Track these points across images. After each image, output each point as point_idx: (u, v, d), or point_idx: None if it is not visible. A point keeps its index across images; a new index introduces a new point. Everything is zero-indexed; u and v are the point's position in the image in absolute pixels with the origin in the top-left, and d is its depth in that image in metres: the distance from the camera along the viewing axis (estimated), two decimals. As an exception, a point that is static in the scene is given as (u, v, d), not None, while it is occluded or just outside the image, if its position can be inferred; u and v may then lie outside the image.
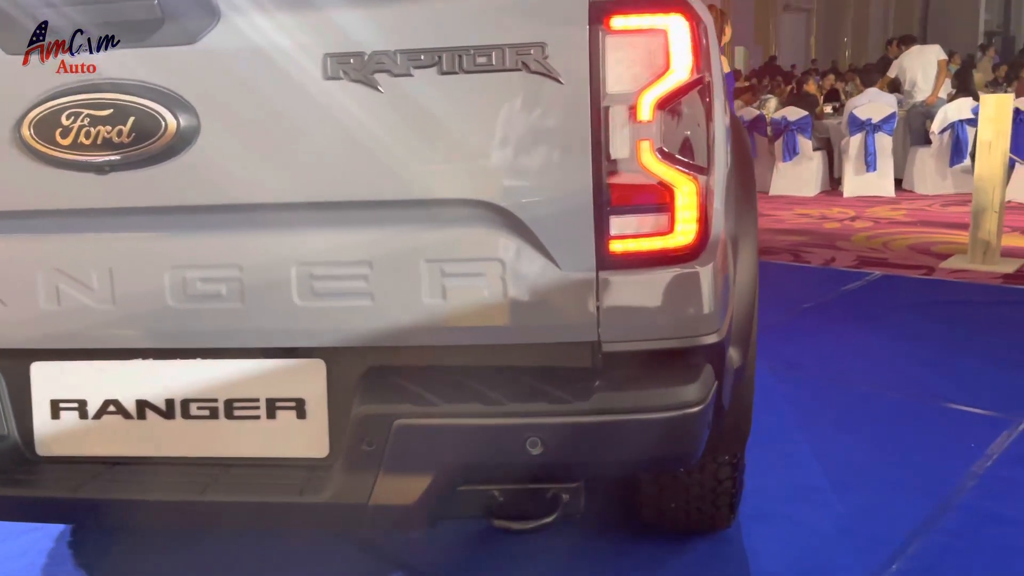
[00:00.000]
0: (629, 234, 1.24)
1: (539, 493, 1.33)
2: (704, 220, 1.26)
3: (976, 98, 8.20)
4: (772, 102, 9.58)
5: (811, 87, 9.49)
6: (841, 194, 8.50)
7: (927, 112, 8.56)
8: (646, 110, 1.20)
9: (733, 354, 1.70)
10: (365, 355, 1.35)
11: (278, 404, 1.39)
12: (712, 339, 1.30)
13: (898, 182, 8.59)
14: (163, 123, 1.23)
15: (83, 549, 2.33)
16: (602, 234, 1.24)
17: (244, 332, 1.33)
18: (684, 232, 1.25)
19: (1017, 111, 6.66)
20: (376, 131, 1.22)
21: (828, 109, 9.45)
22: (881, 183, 8.33)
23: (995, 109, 5.03)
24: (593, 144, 1.21)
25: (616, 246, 1.25)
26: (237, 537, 2.45)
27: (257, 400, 1.39)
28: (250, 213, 1.29)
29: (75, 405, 1.43)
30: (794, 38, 21.86)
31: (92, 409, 1.43)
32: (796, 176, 8.69)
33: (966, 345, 3.84)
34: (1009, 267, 5.12)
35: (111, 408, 1.43)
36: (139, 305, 1.34)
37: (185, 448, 1.43)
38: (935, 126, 8.20)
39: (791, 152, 8.61)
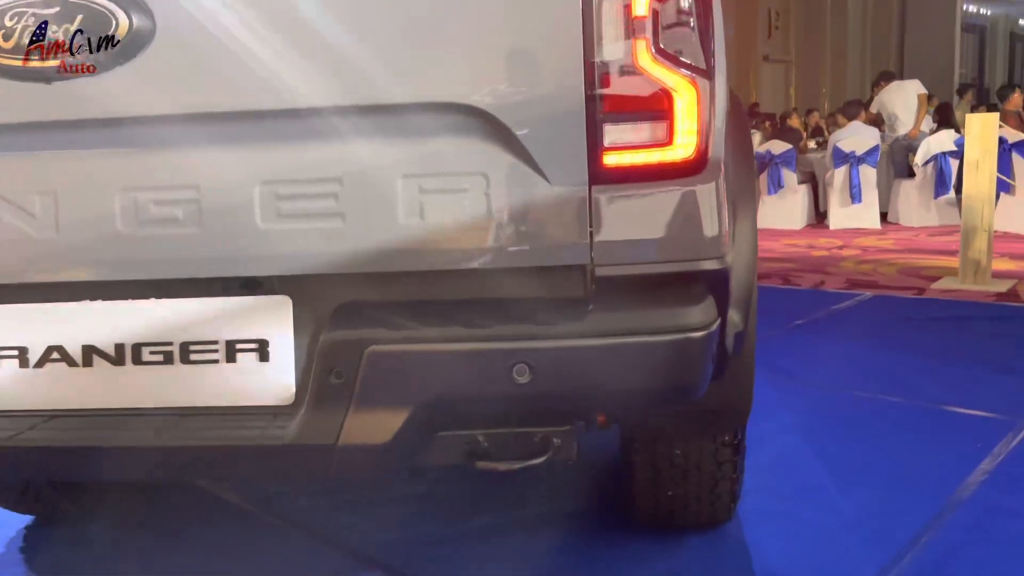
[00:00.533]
0: (624, 145, 1.14)
1: (527, 437, 1.20)
2: (705, 132, 1.16)
3: (958, 131, 8.27)
4: (756, 137, 9.62)
5: (795, 121, 9.55)
6: (827, 227, 8.47)
7: (909, 145, 8.60)
8: (642, 5, 1.10)
9: (733, 316, 1.59)
10: (335, 290, 1.22)
11: (239, 346, 1.26)
12: (714, 265, 1.19)
13: (883, 216, 8.59)
14: (114, 22, 1.13)
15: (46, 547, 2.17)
16: (595, 145, 1.13)
17: (202, 261, 1.21)
18: (684, 145, 1.15)
19: (1002, 140, 6.68)
20: (346, 28, 1.11)
21: (812, 144, 9.49)
22: (867, 215, 8.32)
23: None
24: (585, 42, 1.11)
25: (610, 159, 1.14)
26: (210, 535, 2.29)
27: (215, 343, 1.26)
28: (209, 125, 1.17)
29: (14, 353, 1.30)
30: (774, 88, 22.19)
31: (34, 357, 1.30)
32: (782, 209, 8.67)
33: (963, 355, 3.75)
34: (1001, 287, 5.06)
35: (55, 356, 1.29)
36: (86, 233, 1.21)
37: (136, 398, 1.29)
38: (918, 158, 8.24)
39: (776, 185, 8.60)
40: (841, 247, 7.15)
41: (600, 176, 1.14)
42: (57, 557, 2.21)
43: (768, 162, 8.54)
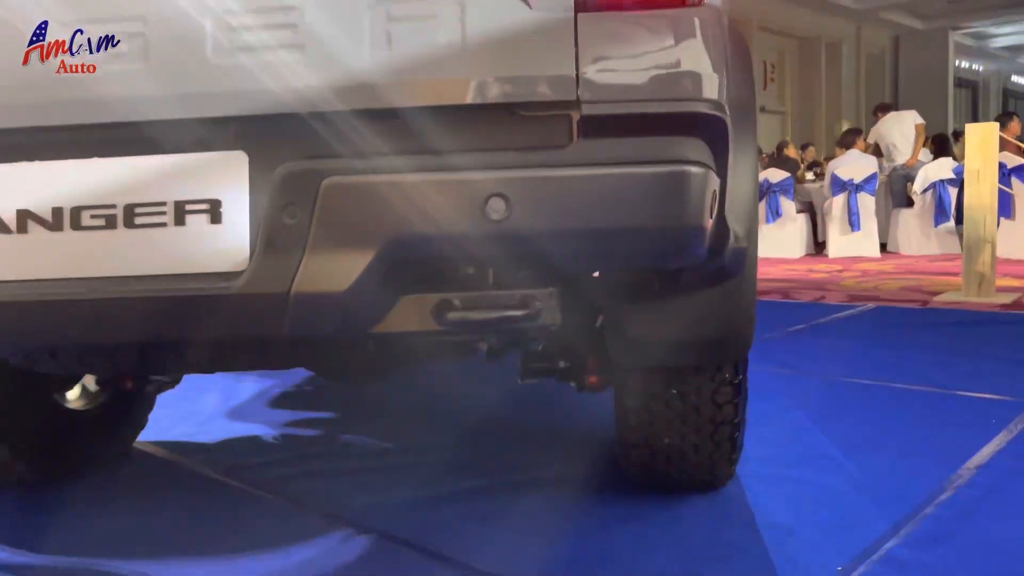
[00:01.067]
0: (613, -36, 1.04)
1: (504, 300, 1.08)
2: None
3: (955, 160, 8.25)
4: (753, 168, 9.58)
5: (791, 151, 9.53)
6: (826, 256, 8.39)
7: (907, 175, 8.57)
8: None
9: (735, 227, 1.48)
10: (295, 145, 1.11)
11: (189, 207, 1.14)
12: (710, 109, 1.07)
13: (882, 246, 8.52)
14: None
15: None
16: (581, -37, 1.03)
17: (148, 101, 1.10)
18: (678, -33, 1.05)
19: (1001, 165, 6.63)
20: None
21: (810, 175, 9.47)
22: (866, 243, 8.25)
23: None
24: None
25: None
26: (184, 501, 2.14)
27: (163, 204, 1.14)
28: None
29: (-60, 219, 1.17)
30: (770, 139, 22.47)
31: (-40, 222, 1.17)
32: (780, 238, 8.60)
33: (970, 351, 3.62)
34: (1006, 299, 4.94)
35: (-15, 222, 1.17)
36: (19, 71, 1.10)
37: (75, 267, 1.16)
38: (917, 186, 8.20)
39: (774, 214, 8.55)
40: (841, 271, 7.05)
41: (588, 1, 1.03)
42: (14, 523, 2.05)
43: (766, 190, 8.49)
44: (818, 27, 13.80)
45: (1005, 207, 6.96)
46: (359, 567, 1.71)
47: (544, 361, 2.19)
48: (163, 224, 1.15)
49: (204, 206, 1.14)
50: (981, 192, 4.97)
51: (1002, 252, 6.70)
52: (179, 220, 1.14)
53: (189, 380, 3.72)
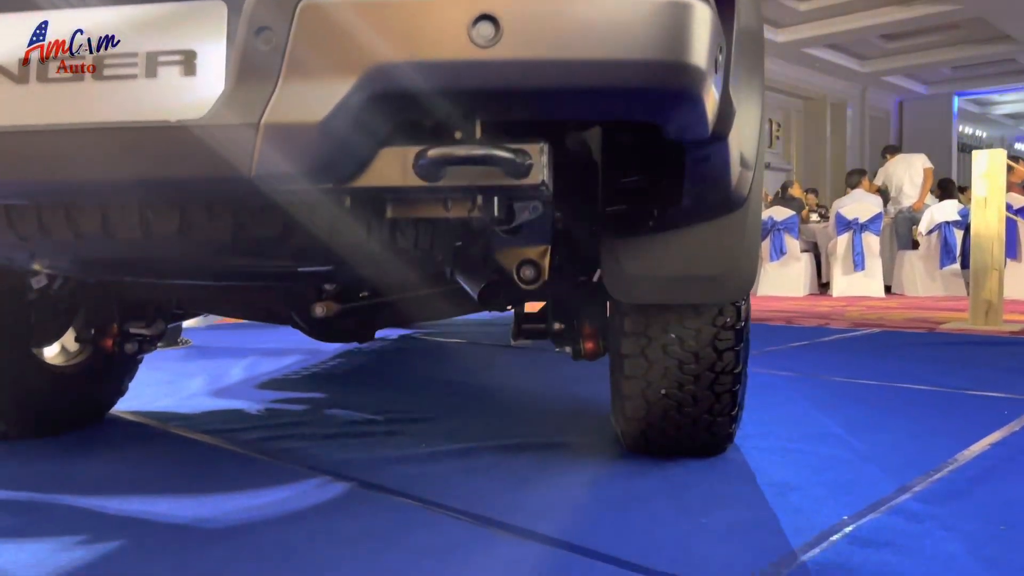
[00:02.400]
0: None
1: (490, 146, 1.01)
2: None
3: (961, 202, 8.22)
4: (758, 209, 9.56)
5: (796, 190, 9.52)
6: (830, 296, 8.31)
7: (913, 218, 8.55)
8: None
9: (741, 149, 1.42)
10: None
11: (161, 59, 1.08)
12: None
13: (887, 288, 8.44)
14: None
15: None
16: None
17: None
18: None
19: (1008, 206, 6.59)
20: None
21: (815, 217, 9.44)
22: (870, 284, 8.17)
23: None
24: None
25: None
26: (161, 456, 2.04)
27: (134, 55, 1.08)
28: None
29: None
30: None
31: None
32: (784, 277, 8.54)
33: (979, 363, 3.52)
34: (1014, 327, 4.85)
35: (-52, 75, 1.11)
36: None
37: (35, 118, 1.10)
38: (922, 227, 8.16)
39: (778, 252, 8.50)
40: (845, 306, 6.96)
41: None
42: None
43: (770, 229, 8.45)
44: (824, 88, 13.96)
45: (1011, 247, 6.91)
46: (332, 508, 1.61)
47: (537, 321, 2.11)
48: (133, 76, 1.08)
49: (177, 58, 1.08)
50: (988, 219, 4.91)
51: (1008, 294, 6.63)
52: (150, 72, 1.08)
53: (175, 365, 3.64)
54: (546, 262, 1.91)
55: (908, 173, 8.91)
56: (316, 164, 0.97)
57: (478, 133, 1.03)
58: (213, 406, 2.64)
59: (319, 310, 2.03)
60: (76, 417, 2.37)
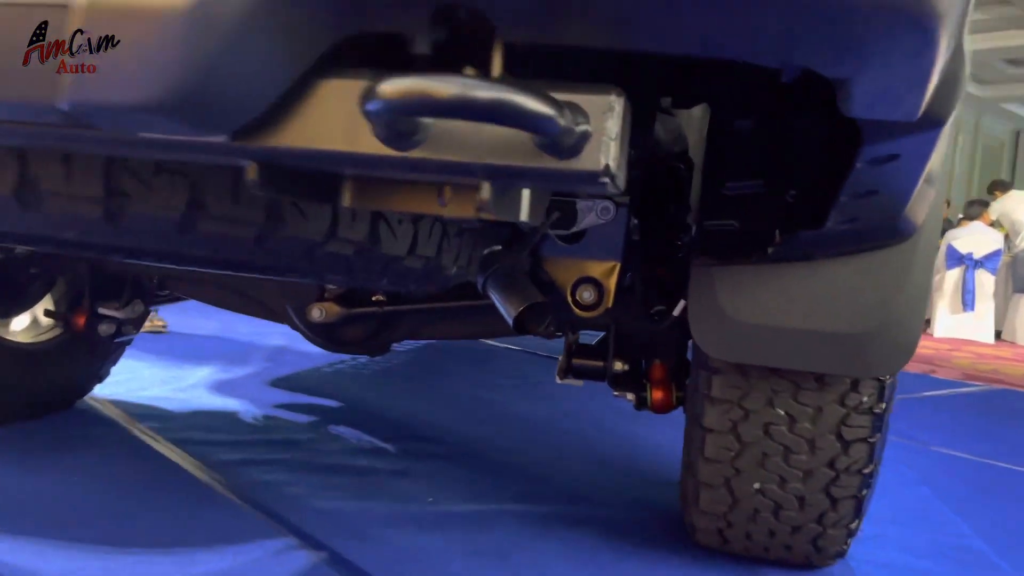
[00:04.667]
0: None
1: (516, 103, 0.52)
2: None
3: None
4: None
5: (904, 217, 8.72)
6: (930, 335, 7.54)
7: (1035, 259, 7.68)
8: None
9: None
10: None
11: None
12: None
13: (997, 333, 7.61)
14: None
15: None
16: None
17: None
18: None
19: None
20: None
21: (920, 247, 8.63)
22: (979, 326, 7.36)
23: None
24: None
25: None
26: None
27: None
28: None
29: None
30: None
31: None
32: (880, 308, 7.78)
33: None
34: None
35: None
36: None
37: None
38: (1046, 270, 7.32)
39: (971, 301, 7.68)
40: (950, 350, 6.23)
41: None
42: None
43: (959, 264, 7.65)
44: (938, 115, 13.04)
45: None
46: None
47: (594, 356, 1.62)
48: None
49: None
50: None
51: None
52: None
53: (174, 347, 3.28)
54: (612, 283, 1.43)
55: (1027, 209, 8.03)
56: (181, 96, 0.51)
57: (497, 67, 0.56)
58: (200, 405, 2.24)
59: (316, 313, 1.59)
60: (41, 402, 2.00)
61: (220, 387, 2.47)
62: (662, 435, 2.23)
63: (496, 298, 1.32)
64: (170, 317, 3.48)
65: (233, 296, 1.78)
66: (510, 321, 1.28)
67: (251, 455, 1.80)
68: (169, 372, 2.60)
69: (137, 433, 1.92)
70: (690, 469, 1.34)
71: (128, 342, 2.13)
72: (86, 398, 2.18)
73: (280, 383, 2.57)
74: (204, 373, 2.63)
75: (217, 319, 3.82)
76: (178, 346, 3.09)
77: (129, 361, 2.73)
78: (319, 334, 1.69)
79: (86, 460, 1.71)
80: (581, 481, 1.80)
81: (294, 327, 1.73)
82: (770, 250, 1.07)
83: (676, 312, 1.45)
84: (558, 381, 1.62)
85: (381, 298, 1.63)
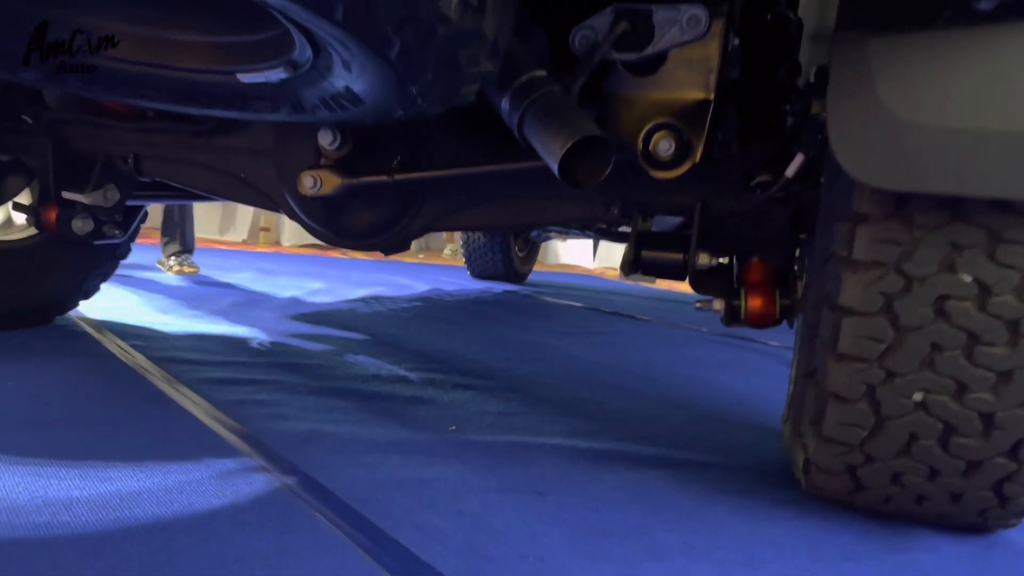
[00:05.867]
0: None
1: None
2: None
3: None
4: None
5: None
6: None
7: None
8: None
9: None
10: None
11: None
12: None
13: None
14: None
15: None
16: None
17: None
18: None
19: None
20: None
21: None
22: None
23: None
24: None
25: None
26: None
27: None
28: None
29: None
30: None
31: None
32: None
33: None
34: None
35: None
36: None
37: None
38: None
39: None
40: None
41: None
42: None
43: None
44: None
45: None
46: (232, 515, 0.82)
47: (671, 247, 1.22)
48: None
49: None
50: None
51: None
52: None
53: (204, 289, 2.98)
54: (702, 130, 1.03)
55: None
56: None
57: None
58: (199, 330, 1.92)
59: (309, 183, 1.23)
60: (11, 311, 1.71)
61: (231, 315, 2.15)
62: (750, 385, 1.82)
63: (535, 137, 0.94)
64: (203, 260, 3.20)
65: (219, 177, 1.44)
66: (554, 166, 0.90)
67: (240, 375, 1.46)
68: (177, 302, 2.29)
69: (113, 349, 1.60)
70: (806, 379, 0.94)
71: (119, 251, 1.82)
72: (70, 314, 1.88)
73: (303, 317, 2.23)
74: (219, 305, 2.31)
75: (257, 267, 3.54)
76: (202, 285, 2.80)
77: (138, 291, 2.45)
78: (319, 218, 1.33)
79: (49, 368, 1.40)
80: (648, 421, 1.40)
81: (291, 215, 1.38)
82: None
83: (790, 172, 1.05)
84: (621, 278, 1.23)
85: (396, 164, 1.26)
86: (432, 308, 2.74)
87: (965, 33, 0.69)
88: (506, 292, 3.53)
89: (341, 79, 0.88)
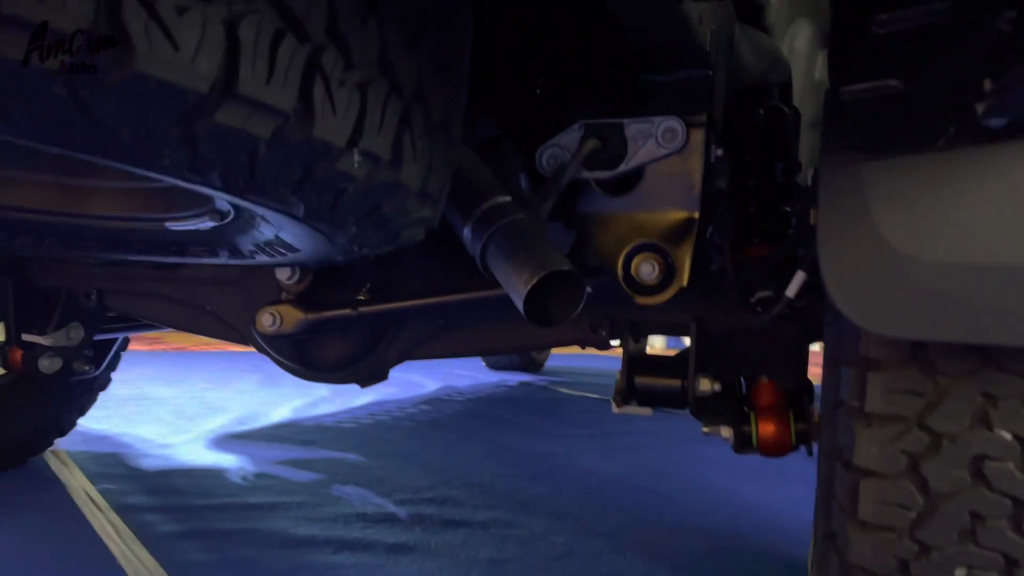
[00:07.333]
0: None
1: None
2: None
3: None
4: None
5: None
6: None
7: None
8: None
9: None
10: None
11: None
12: None
13: None
14: None
15: None
16: None
17: None
18: None
19: None
20: None
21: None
22: None
23: None
24: None
25: None
26: None
27: None
28: None
29: None
30: None
31: None
32: None
33: None
34: None
35: None
36: None
37: None
38: None
39: None
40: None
41: None
42: None
43: None
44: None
45: None
46: None
47: (668, 372, 1.09)
48: None
49: None
50: None
51: None
52: None
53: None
54: (686, 250, 0.92)
55: None
56: None
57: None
58: (182, 461, 1.80)
59: (268, 321, 1.14)
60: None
61: (222, 437, 2.04)
62: (772, 496, 1.66)
63: (499, 271, 0.83)
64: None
65: (185, 311, 1.35)
66: (520, 302, 0.79)
67: (213, 524, 1.34)
68: (171, 418, 2.19)
69: (77, 499, 1.49)
70: (825, 536, 0.79)
71: (96, 384, 1.72)
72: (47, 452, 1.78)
73: (299, 436, 2.12)
74: (214, 424, 2.21)
75: (266, 371, 3.44)
76: (198, 365, 2.70)
77: (136, 404, 2.34)
78: (286, 353, 1.23)
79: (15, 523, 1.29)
80: (666, 556, 1.25)
81: (259, 349, 1.28)
82: (981, 110, 0.55)
83: (791, 292, 0.92)
84: (615, 410, 1.10)
85: (361, 297, 1.15)
86: (439, 413, 2.61)
87: (974, 153, 0.58)
88: (521, 384, 3.39)
89: (269, 229, 0.78)
